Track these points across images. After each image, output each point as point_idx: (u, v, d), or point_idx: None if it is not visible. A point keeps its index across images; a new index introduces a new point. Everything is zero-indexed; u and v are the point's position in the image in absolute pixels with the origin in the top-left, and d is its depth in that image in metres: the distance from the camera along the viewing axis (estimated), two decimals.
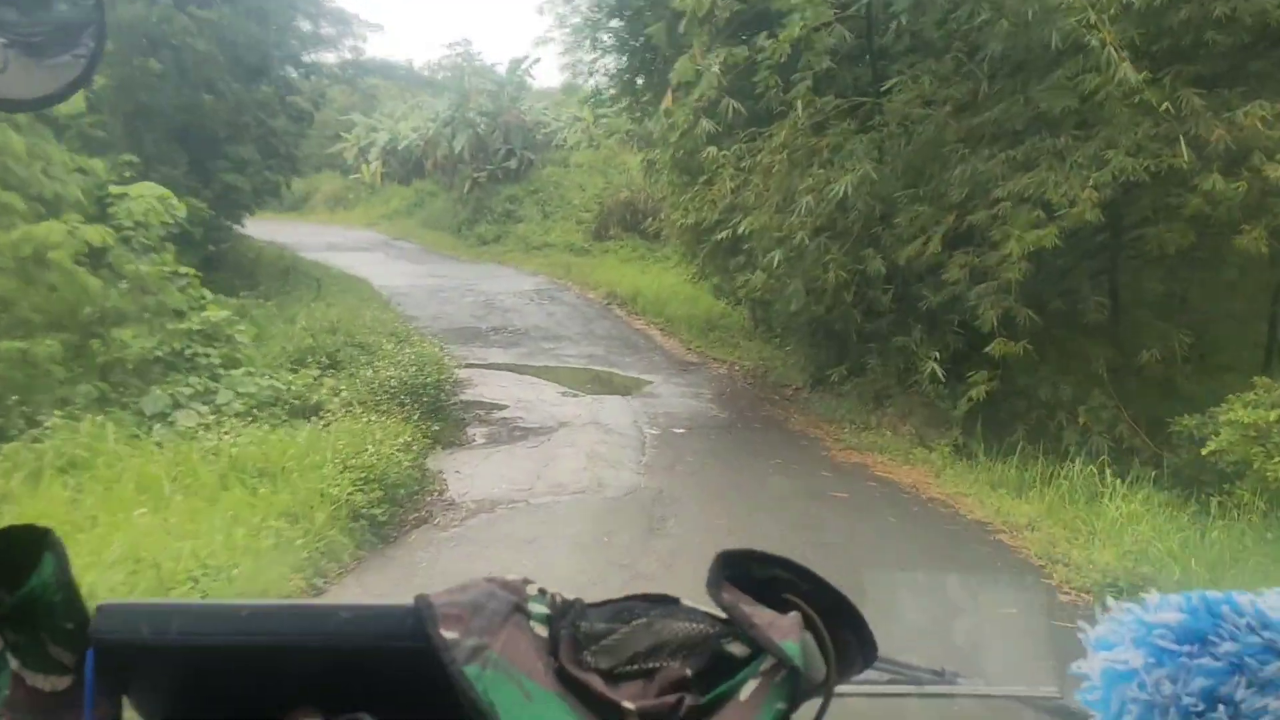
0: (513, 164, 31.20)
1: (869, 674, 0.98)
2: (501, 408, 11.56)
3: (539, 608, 0.81)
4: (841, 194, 8.89)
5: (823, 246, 9.74)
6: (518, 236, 27.85)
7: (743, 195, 10.37)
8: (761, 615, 0.78)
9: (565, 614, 0.81)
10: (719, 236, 11.04)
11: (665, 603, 0.82)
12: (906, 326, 10.37)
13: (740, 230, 10.21)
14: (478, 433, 10.46)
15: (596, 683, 0.77)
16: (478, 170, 31.34)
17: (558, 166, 31.50)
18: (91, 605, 0.83)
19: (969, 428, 9.80)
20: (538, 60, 31.14)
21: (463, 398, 11.84)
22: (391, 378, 10.22)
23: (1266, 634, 0.72)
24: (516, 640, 0.77)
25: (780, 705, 0.75)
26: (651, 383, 13.65)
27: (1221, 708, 0.72)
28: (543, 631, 0.80)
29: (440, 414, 10.43)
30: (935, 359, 9.63)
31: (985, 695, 1.50)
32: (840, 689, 0.84)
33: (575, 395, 12.70)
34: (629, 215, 25.70)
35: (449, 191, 32.97)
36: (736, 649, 0.79)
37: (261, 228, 32.13)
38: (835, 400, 11.82)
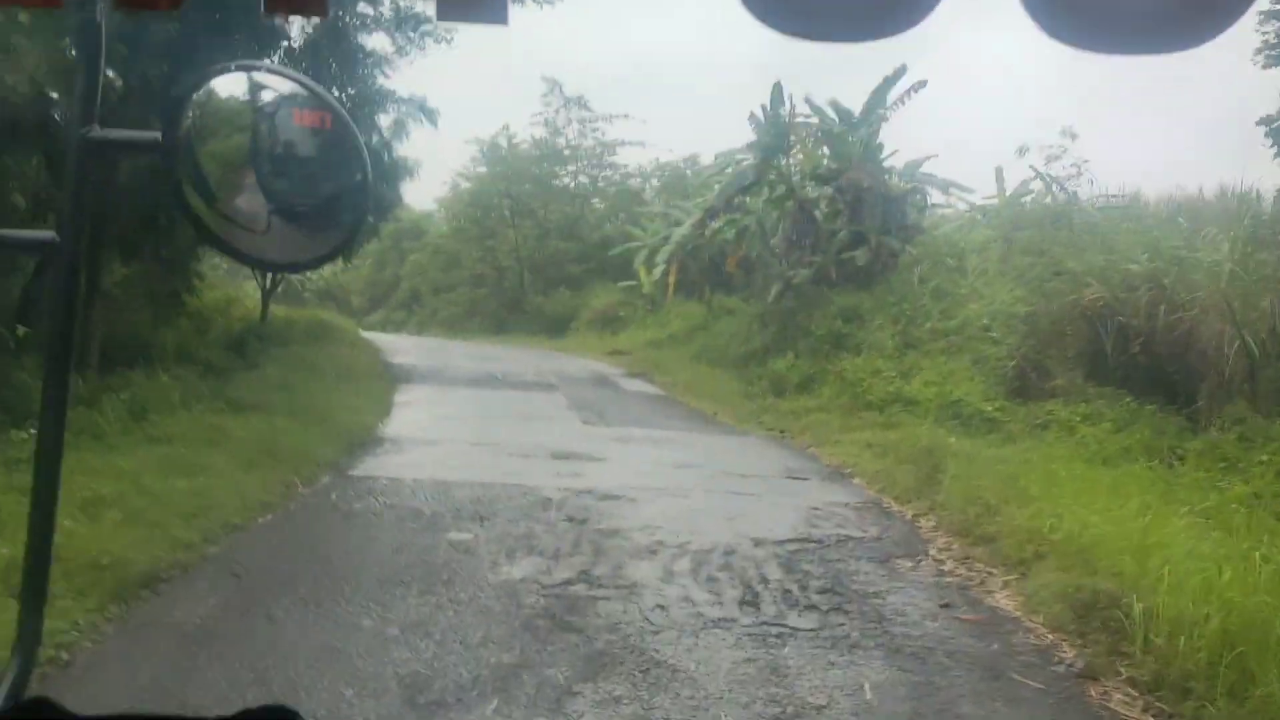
0: (860, 256, 16.91)
1: None
2: None
3: None
4: None
5: None
6: (845, 382, 13.28)
7: None
8: None
9: None
10: None
11: None
12: None
13: None
14: None
15: None
16: (795, 267, 17.40)
17: (945, 268, 16.84)
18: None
19: None
20: (923, 85, 15.84)
21: None
22: None
23: None
24: None
25: None
26: None
27: None
28: None
29: None
30: None
31: None
32: None
33: None
34: (1122, 337, 10.42)
35: (752, 304, 19.29)
36: None
37: (453, 349, 20.91)
38: None
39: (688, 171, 30.91)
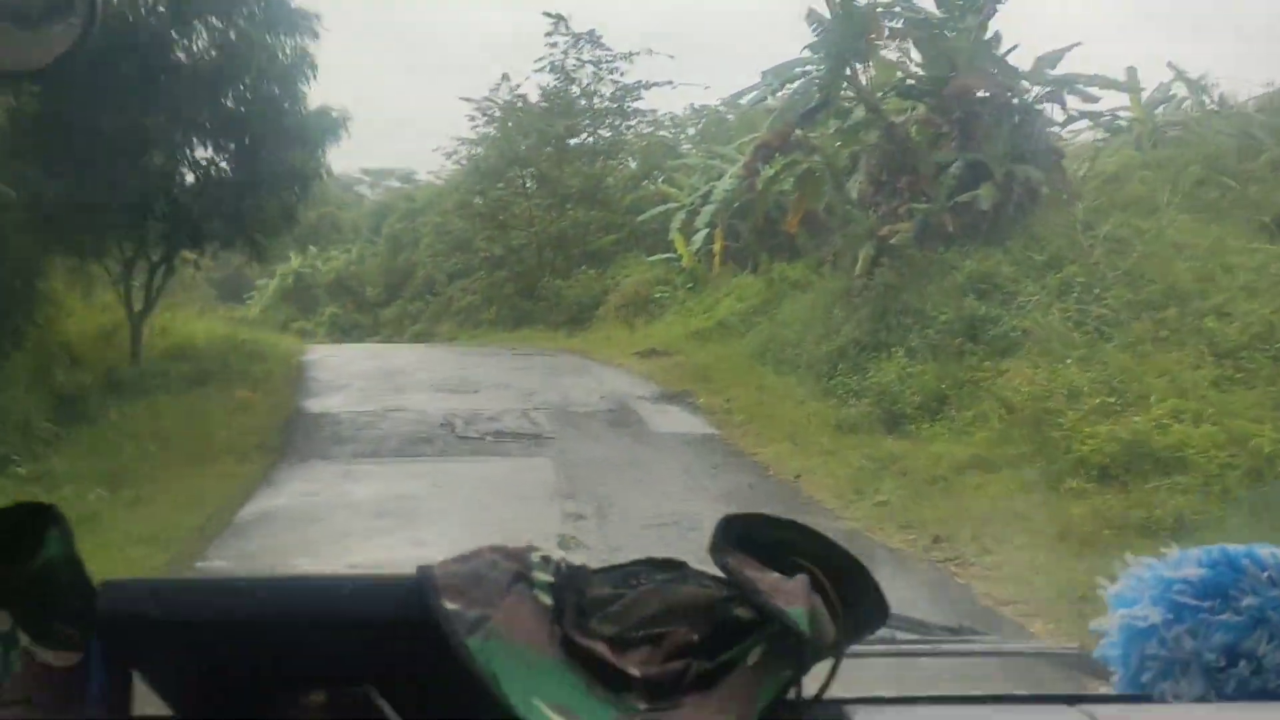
0: (983, 197, 11.37)
1: (882, 633, 0.90)
2: None
3: (543, 575, 0.76)
4: None
5: None
6: (1010, 409, 7.85)
7: None
8: (767, 580, 0.74)
9: (570, 581, 0.76)
10: None
11: (672, 567, 0.77)
12: None
13: None
14: None
15: (602, 649, 0.74)
16: (888, 220, 11.95)
17: (1116, 206, 11.45)
18: (98, 581, 0.80)
19: None
20: None
21: None
22: None
23: None
24: (519, 610, 0.74)
25: (786, 672, 0.74)
26: None
27: (1243, 663, 0.70)
28: (547, 600, 0.75)
29: None
30: None
31: (1002, 652, 1.47)
32: (852, 650, 0.80)
33: None
34: None
35: (830, 277, 13.87)
36: (744, 613, 0.74)
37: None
38: None
39: (729, 115, 25.28)
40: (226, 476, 7.30)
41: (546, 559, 0.76)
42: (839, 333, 11.35)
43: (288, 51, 11.01)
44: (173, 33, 10.54)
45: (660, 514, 6.55)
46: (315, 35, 10.66)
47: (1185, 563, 0.71)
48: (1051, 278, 10.08)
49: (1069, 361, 7.77)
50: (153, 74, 10.17)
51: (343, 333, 34.97)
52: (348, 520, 6.40)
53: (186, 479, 7.04)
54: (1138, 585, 0.72)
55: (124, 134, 9.89)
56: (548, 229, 23.65)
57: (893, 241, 11.71)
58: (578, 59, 23.91)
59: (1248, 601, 0.69)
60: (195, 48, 10.75)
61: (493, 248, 24.71)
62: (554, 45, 23.80)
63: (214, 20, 10.69)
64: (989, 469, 7.00)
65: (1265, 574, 0.70)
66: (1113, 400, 6.98)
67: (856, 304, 11.61)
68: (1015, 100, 12.44)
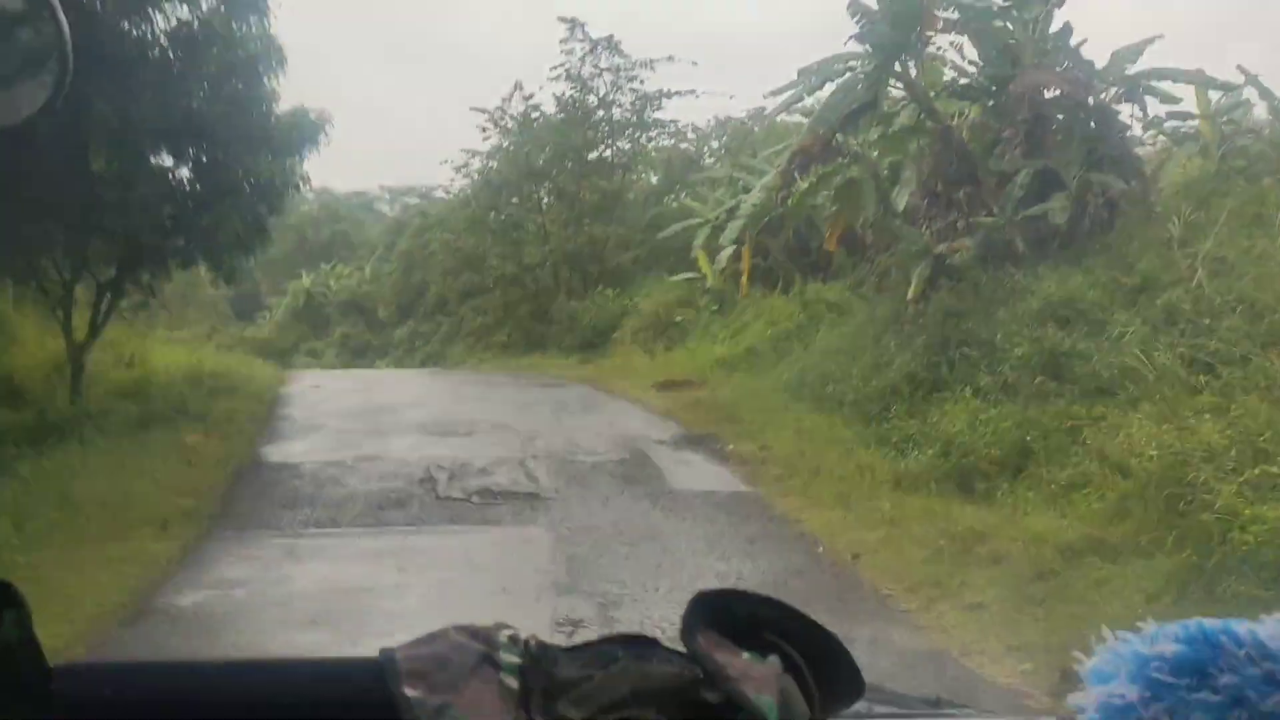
0: (1056, 209, 9.78)
1: (859, 706, 0.84)
2: None
3: (510, 657, 0.72)
4: None
5: None
6: (1119, 470, 6.20)
7: None
8: (737, 664, 0.71)
9: (538, 662, 0.72)
10: None
11: (643, 644, 0.73)
12: None
13: None
14: None
15: None
16: (946, 236, 10.35)
17: (1209, 222, 9.70)
18: (54, 665, 0.74)
19: None
20: None
21: None
22: None
23: (1266, 665, 0.67)
24: (483, 695, 0.69)
25: None
26: None
27: None
28: (513, 683, 0.71)
29: None
30: None
31: None
32: None
33: None
34: None
35: (873, 300, 12.26)
36: (715, 697, 0.70)
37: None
38: None
39: (754, 128, 23.71)
40: (131, 560, 5.74)
41: (514, 638, 0.71)
42: (890, 366, 9.71)
43: (257, 43, 9.56)
44: (123, 23, 9.09)
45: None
46: (265, 12, 9.18)
47: (1162, 638, 0.66)
48: (1145, 303, 8.42)
49: (1205, 414, 6.06)
50: (97, 68, 8.72)
51: (353, 354, 33.61)
52: (271, 628, 4.85)
53: (78, 565, 5.51)
54: (1115, 661, 0.66)
55: (61, 136, 8.42)
56: (563, 246, 22.16)
57: (952, 260, 10.10)
58: (595, 66, 22.44)
59: (1225, 680, 0.64)
60: (148, 36, 9.30)
61: (505, 266, 23.20)
62: (570, 52, 22.36)
63: (170, 7, 9.25)
64: (1109, 556, 5.36)
65: (1243, 651, 0.65)
66: (1275, 470, 5.32)
67: (910, 332, 9.97)
68: (1090, 101, 10.76)
